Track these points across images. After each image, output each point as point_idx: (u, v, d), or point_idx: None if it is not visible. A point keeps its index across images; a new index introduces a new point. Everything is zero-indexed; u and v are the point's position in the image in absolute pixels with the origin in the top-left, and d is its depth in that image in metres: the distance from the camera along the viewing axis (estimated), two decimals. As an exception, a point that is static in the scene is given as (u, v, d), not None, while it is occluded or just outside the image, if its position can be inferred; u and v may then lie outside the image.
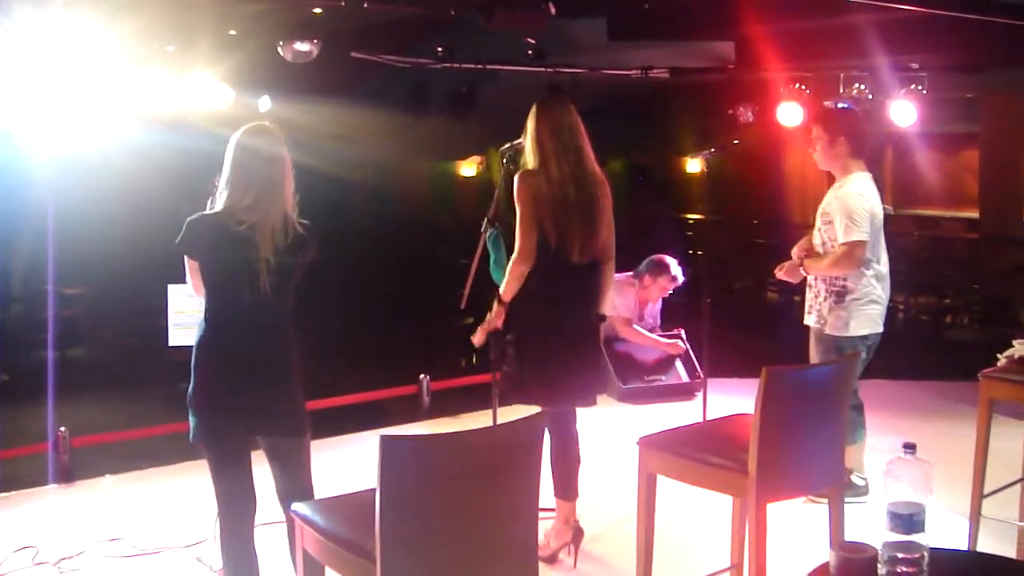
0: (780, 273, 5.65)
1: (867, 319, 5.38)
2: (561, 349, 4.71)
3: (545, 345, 4.70)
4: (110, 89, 6.56)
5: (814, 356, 5.55)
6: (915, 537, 2.34)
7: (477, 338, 4.87)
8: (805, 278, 5.56)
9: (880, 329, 5.45)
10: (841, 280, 5.37)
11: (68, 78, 6.08)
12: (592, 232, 4.70)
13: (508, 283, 4.70)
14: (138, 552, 5.10)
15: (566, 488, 4.86)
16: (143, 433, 7.15)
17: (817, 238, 5.51)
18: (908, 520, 2.35)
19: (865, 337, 5.39)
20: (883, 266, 5.47)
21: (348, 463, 6.15)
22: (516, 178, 4.67)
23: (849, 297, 5.35)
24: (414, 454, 2.67)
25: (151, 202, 10.59)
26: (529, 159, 4.71)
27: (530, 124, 4.72)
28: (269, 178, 3.80)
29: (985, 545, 4.50)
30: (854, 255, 5.25)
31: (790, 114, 9.01)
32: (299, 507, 3.04)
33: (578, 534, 4.89)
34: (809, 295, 5.57)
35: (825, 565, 2.63)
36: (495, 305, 4.77)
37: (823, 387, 3.47)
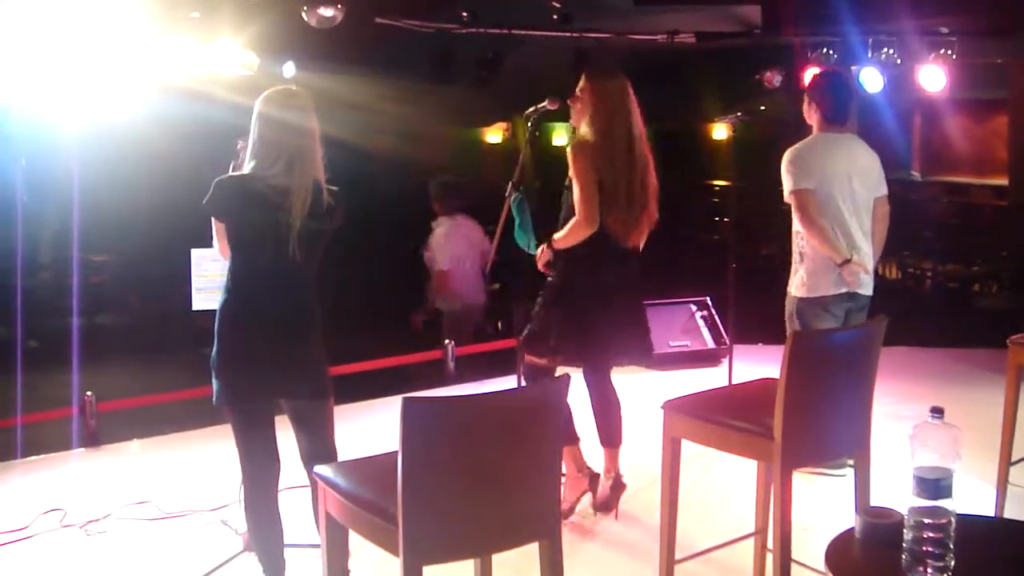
0: None
1: (825, 281, 5.19)
2: (603, 307, 4.75)
3: (586, 303, 4.75)
4: (134, 56, 6.55)
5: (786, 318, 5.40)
6: (942, 503, 2.31)
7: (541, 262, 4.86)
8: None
9: (847, 290, 5.16)
10: (802, 239, 5.26)
11: (92, 46, 6.07)
12: (637, 221, 4.75)
13: (567, 236, 4.71)
14: (164, 515, 5.14)
15: (611, 437, 4.92)
16: (168, 398, 7.19)
17: None
18: (935, 485, 2.31)
19: (823, 299, 5.19)
20: (850, 226, 5.21)
21: (374, 428, 6.15)
22: (571, 148, 4.66)
23: (807, 257, 5.23)
24: (436, 415, 2.65)
25: (175, 169, 10.59)
26: (586, 132, 4.71)
27: (586, 98, 4.71)
28: (299, 148, 3.77)
29: (1012, 512, 4.48)
30: (797, 205, 5.17)
31: (817, 79, 8.89)
32: (322, 469, 3.04)
33: (593, 479, 4.91)
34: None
35: (851, 530, 2.61)
36: (544, 247, 4.80)
37: (850, 351, 3.43)
